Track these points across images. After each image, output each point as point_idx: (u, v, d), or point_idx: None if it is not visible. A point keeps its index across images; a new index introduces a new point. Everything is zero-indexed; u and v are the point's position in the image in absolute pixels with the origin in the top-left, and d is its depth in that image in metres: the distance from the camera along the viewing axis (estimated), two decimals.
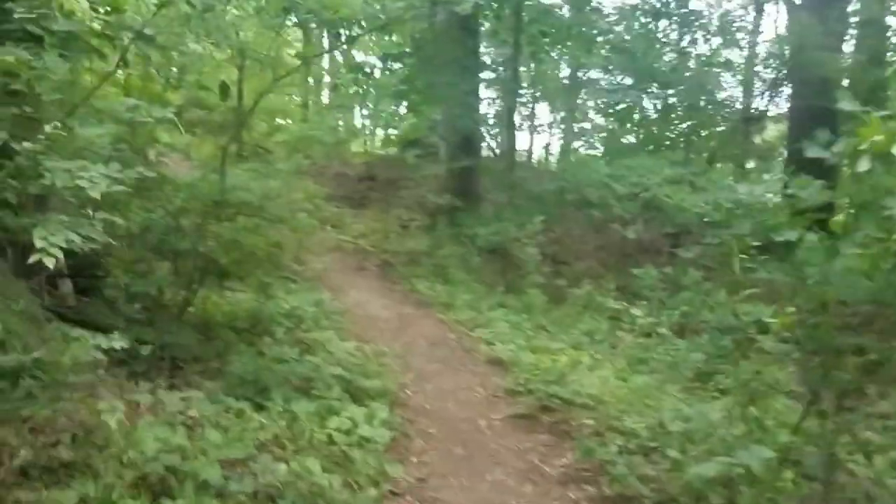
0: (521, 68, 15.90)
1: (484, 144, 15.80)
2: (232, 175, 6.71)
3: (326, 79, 22.72)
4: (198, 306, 7.62)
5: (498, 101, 16.30)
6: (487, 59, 16.01)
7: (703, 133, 14.96)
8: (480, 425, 6.31)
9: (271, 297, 8.77)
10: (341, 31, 8.94)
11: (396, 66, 14.21)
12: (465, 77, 13.60)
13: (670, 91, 15.16)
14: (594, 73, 18.28)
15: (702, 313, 10.17)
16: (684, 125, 15.93)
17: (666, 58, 16.10)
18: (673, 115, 15.95)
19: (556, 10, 15.07)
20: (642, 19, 16.37)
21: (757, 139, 17.46)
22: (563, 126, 21.78)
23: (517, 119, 17.88)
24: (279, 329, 7.93)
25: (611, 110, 16.49)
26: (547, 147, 23.54)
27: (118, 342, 4.13)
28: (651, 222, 13.13)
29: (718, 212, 13.31)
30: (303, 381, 5.81)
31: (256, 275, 8.08)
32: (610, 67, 16.61)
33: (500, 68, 15.06)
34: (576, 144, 21.13)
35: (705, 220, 13.63)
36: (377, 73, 14.09)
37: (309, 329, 8.23)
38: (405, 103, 14.60)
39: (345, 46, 15.91)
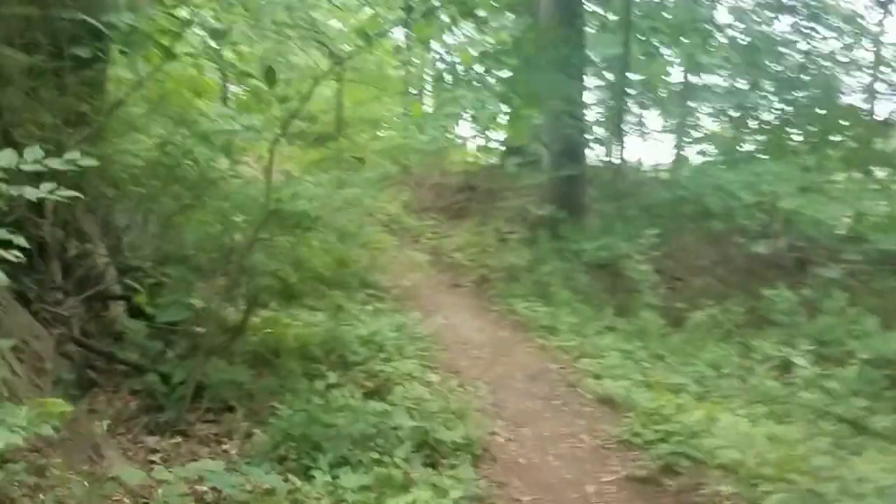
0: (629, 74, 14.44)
1: (589, 152, 14.37)
2: (293, 183, 5.63)
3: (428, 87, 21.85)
4: (262, 331, 6.63)
5: (605, 105, 14.84)
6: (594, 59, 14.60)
7: (835, 138, 12.98)
8: (588, 492, 4.96)
9: (348, 321, 7.71)
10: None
11: (495, 70, 12.98)
12: (570, 78, 12.26)
13: (796, 93, 13.35)
14: (708, 77, 16.62)
15: (848, 343, 8.50)
16: (810, 129, 13.97)
17: (789, 57, 14.21)
18: (798, 119, 14.04)
19: (670, 4, 13.55)
20: (764, 13, 14.58)
21: (882, 145, 15.36)
22: (674, 133, 20.04)
23: (625, 125, 16.41)
24: (354, 356, 6.84)
25: (728, 114, 14.71)
26: (658, 156, 21.78)
27: None
28: (778, 235, 11.38)
29: (861, 224, 11.54)
30: (365, 436, 4.60)
31: (330, 295, 7.02)
32: (728, 67, 14.89)
33: (608, 68, 13.63)
34: (689, 152, 19.38)
35: (842, 232, 11.89)
36: (475, 74, 12.83)
37: (389, 357, 7.08)
38: (505, 109, 13.30)
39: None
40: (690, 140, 17.45)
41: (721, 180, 10.29)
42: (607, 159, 15.18)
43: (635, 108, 17.17)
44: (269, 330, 6.84)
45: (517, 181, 14.19)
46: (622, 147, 12.68)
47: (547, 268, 11.03)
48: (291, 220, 5.49)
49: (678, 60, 15.82)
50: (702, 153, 15.31)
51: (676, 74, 17.73)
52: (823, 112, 12.65)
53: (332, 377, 6.19)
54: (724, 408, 6.86)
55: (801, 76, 13.28)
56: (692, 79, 16.80)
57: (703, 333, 8.84)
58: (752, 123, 14.51)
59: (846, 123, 12.58)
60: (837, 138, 13.27)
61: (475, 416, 5.95)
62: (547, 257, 11.51)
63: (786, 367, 7.79)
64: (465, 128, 18.28)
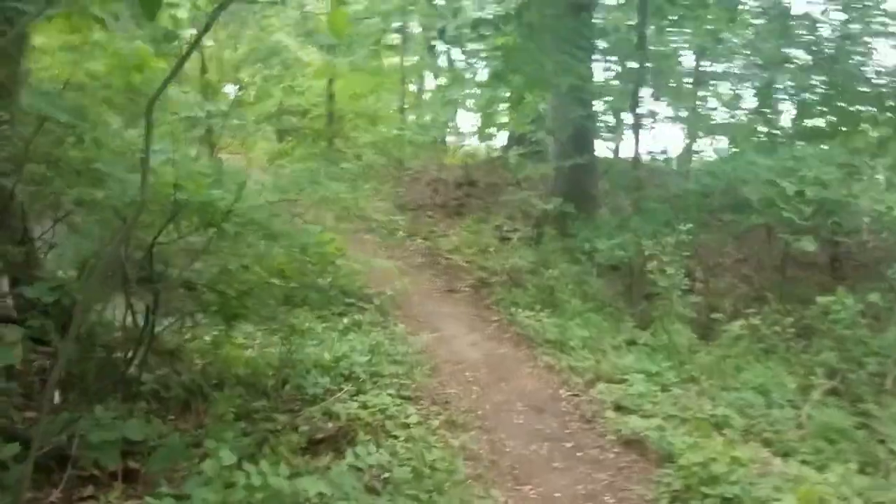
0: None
1: (599, 140, 12.72)
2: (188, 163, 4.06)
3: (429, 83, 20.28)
4: (210, 355, 5.10)
5: (618, 86, 13.16)
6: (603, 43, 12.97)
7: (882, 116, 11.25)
8: None
9: (311, 342, 6.13)
10: None
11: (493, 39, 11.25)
12: (578, 56, 10.61)
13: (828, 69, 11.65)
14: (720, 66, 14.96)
15: None
16: (847, 109, 12.23)
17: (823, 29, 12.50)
18: (830, 98, 12.30)
19: None
20: None
21: None
22: (684, 122, 18.27)
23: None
24: (314, 388, 5.27)
25: (756, 94, 12.98)
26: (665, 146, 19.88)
27: None
28: (821, 229, 9.72)
29: None
30: None
31: (283, 311, 5.44)
32: (748, 49, 13.20)
33: (620, 45, 11.96)
34: (701, 142, 17.61)
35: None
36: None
37: (360, 388, 5.51)
38: (505, 93, 11.63)
39: None
40: (705, 126, 15.73)
41: (756, 167, 8.61)
42: (617, 148, 13.62)
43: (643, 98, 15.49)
44: (208, 360, 5.31)
45: (520, 173, 12.56)
46: (638, 134, 11.00)
47: (554, 270, 9.41)
48: (202, 214, 3.90)
49: (690, 43, 14.18)
50: (723, 141, 13.58)
51: (687, 60, 16.05)
52: (863, 89, 10.93)
53: (280, 419, 4.65)
54: (783, 449, 5.29)
55: (837, 49, 11.57)
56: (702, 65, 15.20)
57: (743, 349, 7.20)
58: (783, 105, 12.78)
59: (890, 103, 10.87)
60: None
61: (462, 472, 4.37)
62: (554, 258, 9.90)
63: (859, 397, 6.20)
64: (466, 119, 16.66)
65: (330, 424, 4.84)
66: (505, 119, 13.66)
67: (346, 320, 7.40)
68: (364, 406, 5.14)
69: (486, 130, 14.42)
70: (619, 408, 5.83)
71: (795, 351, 7.15)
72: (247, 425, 4.49)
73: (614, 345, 7.47)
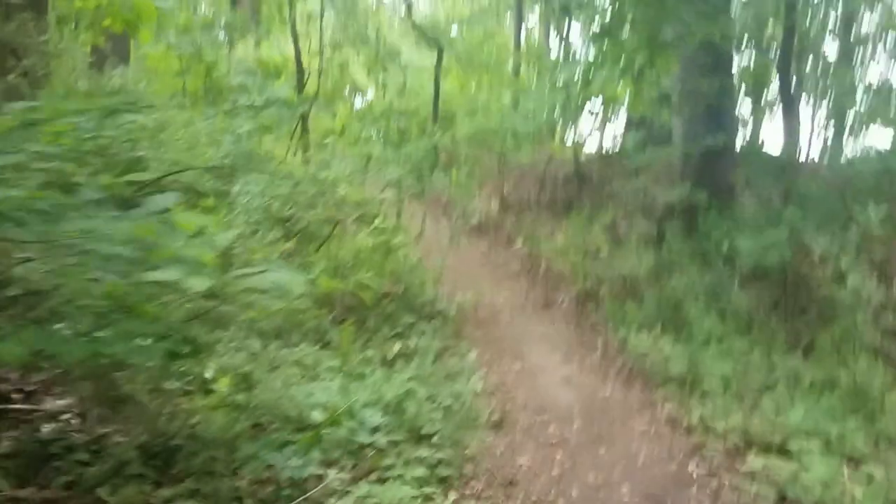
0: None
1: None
2: None
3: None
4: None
5: (762, 56, 10.46)
6: None
7: None
8: None
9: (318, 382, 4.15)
10: None
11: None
12: (712, 16, 8.13)
13: None
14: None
15: None
16: None
17: None
18: None
19: None
20: None
21: None
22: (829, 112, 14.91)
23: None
24: (292, 468, 3.27)
25: None
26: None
27: None
28: None
29: None
30: None
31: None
32: None
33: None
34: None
35: None
36: None
37: (375, 464, 3.47)
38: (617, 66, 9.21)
39: None
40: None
41: None
42: (754, 132, 11.04)
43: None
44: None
45: (639, 161, 10.10)
46: (795, 108, 8.33)
47: (680, 278, 7.05)
48: None
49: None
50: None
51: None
52: None
53: None
54: None
55: None
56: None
57: None
58: None
59: None
60: None
61: None
62: (680, 262, 7.51)
63: None
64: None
65: None
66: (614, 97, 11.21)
67: (397, 346, 5.37)
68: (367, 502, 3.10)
69: (596, 113, 11.99)
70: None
71: None
72: None
73: (768, 384, 5.06)
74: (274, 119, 7.25)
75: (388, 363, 5.04)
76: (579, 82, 9.59)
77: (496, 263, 9.83)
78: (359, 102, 22.16)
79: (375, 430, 3.49)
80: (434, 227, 12.50)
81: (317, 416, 3.36)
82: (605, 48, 7.79)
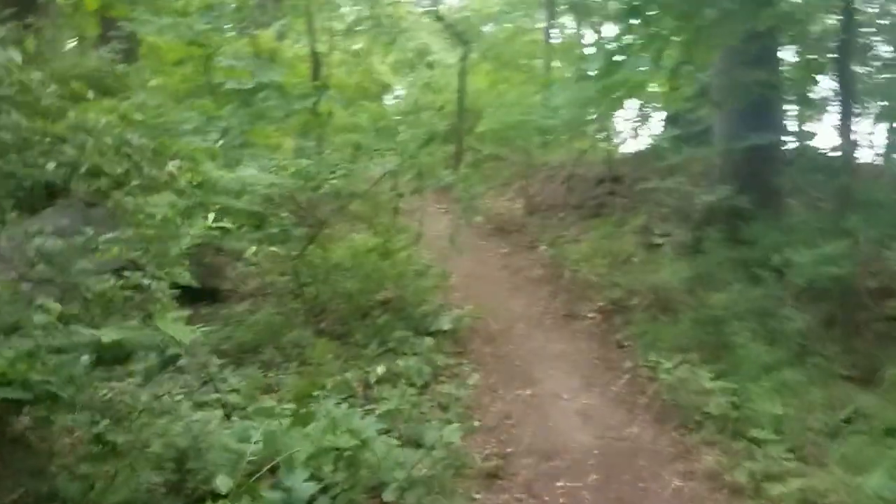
0: None
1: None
2: None
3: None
4: None
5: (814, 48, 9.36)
6: None
7: None
8: None
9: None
10: None
11: None
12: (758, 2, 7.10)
13: None
14: None
15: None
16: None
17: None
18: None
19: None
20: None
21: None
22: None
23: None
24: None
25: None
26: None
27: None
28: None
29: None
30: None
31: None
32: None
33: None
34: None
35: None
36: None
37: None
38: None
39: None
40: None
41: None
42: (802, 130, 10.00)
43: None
44: None
45: (675, 159, 9.06)
46: (850, 101, 7.27)
47: (721, 294, 6.06)
48: None
49: None
50: None
51: None
52: None
53: None
54: None
55: None
56: None
57: None
58: None
59: None
60: None
61: None
62: (720, 275, 6.52)
63: None
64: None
65: None
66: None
67: (381, 369, 4.49)
68: None
69: (630, 109, 10.96)
70: None
71: None
72: None
73: (832, 429, 4.08)
74: (268, 107, 6.44)
75: (367, 389, 4.17)
76: (607, 71, 8.61)
77: (516, 268, 8.93)
78: (386, 101, 21.50)
79: (312, 499, 2.60)
80: (452, 228, 11.61)
81: (223, 483, 2.46)
82: (633, 30, 6.77)
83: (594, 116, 11.29)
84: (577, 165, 12.92)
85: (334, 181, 5.56)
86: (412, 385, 4.27)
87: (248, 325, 5.05)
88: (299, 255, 5.67)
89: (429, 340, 5.15)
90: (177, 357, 3.21)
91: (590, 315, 6.76)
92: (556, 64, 16.02)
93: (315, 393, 3.73)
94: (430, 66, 20.04)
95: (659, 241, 8.37)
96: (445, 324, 5.62)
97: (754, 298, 5.68)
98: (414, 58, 21.03)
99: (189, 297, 3.54)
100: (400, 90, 21.38)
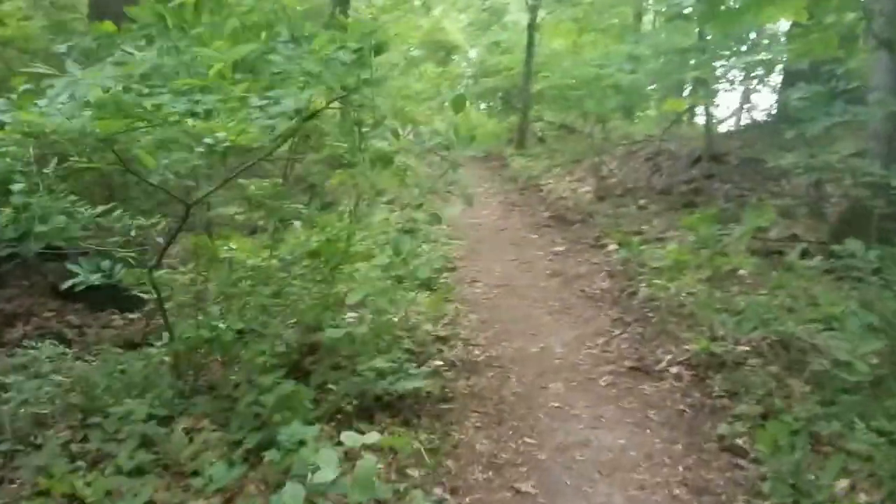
0: None
1: None
2: None
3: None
4: None
5: None
6: None
7: None
8: None
9: None
10: None
11: None
12: None
13: None
14: None
15: None
16: None
17: None
18: None
19: None
20: None
21: None
22: None
23: None
24: None
25: None
26: None
27: None
28: None
29: None
30: None
31: None
32: None
33: None
34: None
35: None
36: None
37: None
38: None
39: None
40: None
41: None
42: None
43: None
44: None
45: (811, 129, 6.13)
46: None
47: (870, 342, 3.31)
48: None
49: None
50: None
51: None
52: None
53: None
54: None
55: None
56: None
57: None
58: None
59: None
60: None
61: None
62: (868, 305, 3.76)
63: None
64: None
65: None
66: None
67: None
68: None
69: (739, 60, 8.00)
70: None
71: None
72: None
73: None
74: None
75: None
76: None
77: (571, 276, 6.36)
78: (457, 63, 19.50)
79: None
80: (500, 217, 9.10)
81: None
82: None
83: (691, 76, 8.48)
84: (667, 139, 10.11)
85: None
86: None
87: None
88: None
89: (370, 433, 2.66)
90: None
91: (671, 369, 4.15)
92: (648, 18, 13.13)
93: None
94: (503, 26, 17.83)
95: (782, 246, 5.62)
96: (414, 382, 3.15)
97: None
98: (489, 17, 18.70)
99: None
100: (472, 51, 19.35)
